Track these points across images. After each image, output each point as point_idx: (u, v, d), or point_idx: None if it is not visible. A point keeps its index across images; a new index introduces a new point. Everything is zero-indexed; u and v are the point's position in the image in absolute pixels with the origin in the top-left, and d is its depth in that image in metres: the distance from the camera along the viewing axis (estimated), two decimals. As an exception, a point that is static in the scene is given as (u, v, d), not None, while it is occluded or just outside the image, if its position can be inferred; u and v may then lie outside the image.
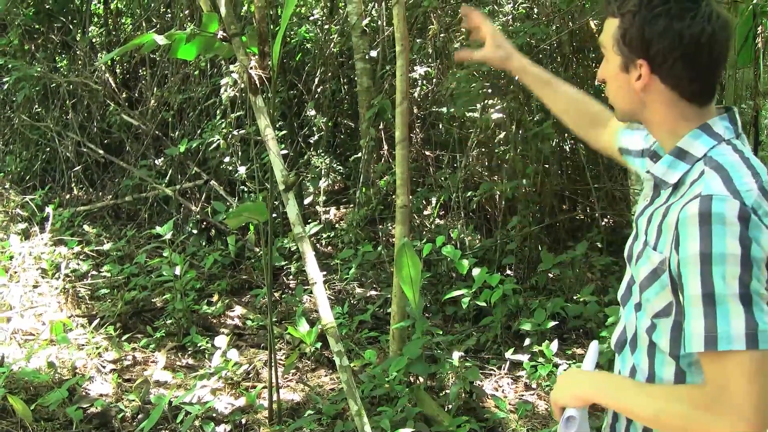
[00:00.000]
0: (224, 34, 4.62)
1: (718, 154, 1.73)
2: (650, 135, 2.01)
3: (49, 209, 8.09)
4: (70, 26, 10.34)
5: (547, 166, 7.57)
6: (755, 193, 1.64)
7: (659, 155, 1.89)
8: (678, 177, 1.76)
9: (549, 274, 6.85)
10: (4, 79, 9.78)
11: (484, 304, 6.06)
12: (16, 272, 6.82)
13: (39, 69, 9.44)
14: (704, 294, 1.59)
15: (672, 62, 1.73)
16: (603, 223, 7.55)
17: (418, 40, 8.25)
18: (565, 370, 1.92)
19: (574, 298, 6.40)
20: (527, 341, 5.82)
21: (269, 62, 4.51)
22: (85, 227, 8.36)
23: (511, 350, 5.68)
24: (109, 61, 10.19)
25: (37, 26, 10.46)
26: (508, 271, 7.18)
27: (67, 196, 9.22)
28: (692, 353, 1.67)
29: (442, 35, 8.06)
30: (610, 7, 1.82)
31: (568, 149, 8.10)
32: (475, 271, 6.20)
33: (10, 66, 9.53)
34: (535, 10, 8.19)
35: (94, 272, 7.37)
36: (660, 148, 1.91)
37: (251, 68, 4.45)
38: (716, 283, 1.57)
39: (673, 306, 1.74)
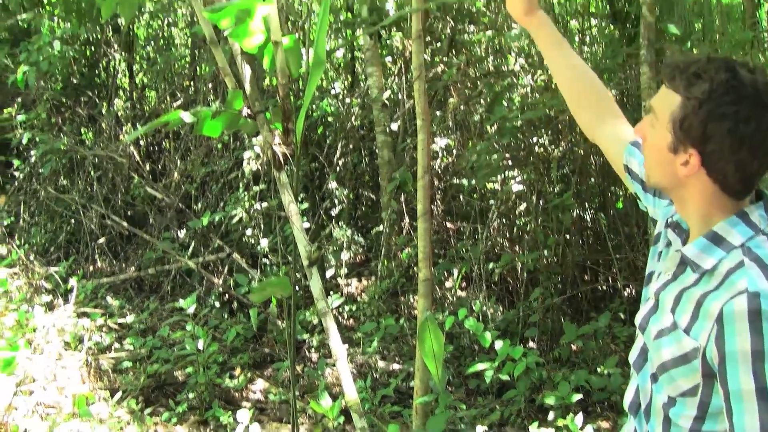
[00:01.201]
0: (249, 112, 4.70)
1: (757, 247, 1.70)
2: None
3: (73, 281, 8.14)
4: (97, 100, 10.52)
5: (568, 236, 7.58)
6: None
7: (681, 227, 1.88)
8: (713, 263, 1.73)
9: (572, 346, 6.80)
10: (31, 153, 9.92)
11: (507, 377, 6.02)
12: (39, 345, 6.84)
13: (65, 142, 9.58)
14: (758, 389, 1.58)
15: (725, 164, 1.70)
16: (625, 294, 7.51)
17: (438, 113, 8.34)
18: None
19: (598, 370, 6.34)
20: (551, 415, 5.76)
21: (293, 138, 4.58)
22: (109, 299, 8.39)
23: (536, 424, 5.61)
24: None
25: (64, 100, 10.64)
26: (531, 344, 7.13)
27: (91, 268, 9.27)
28: None
29: (462, 108, 8.14)
30: (675, 82, 1.75)
31: (589, 219, 8.11)
32: (498, 344, 6.16)
33: (37, 139, 9.68)
34: (554, 81, 8.27)
35: (116, 345, 7.37)
36: (682, 219, 1.88)
37: (275, 144, 4.51)
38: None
39: (700, 387, 1.73)
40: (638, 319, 1.96)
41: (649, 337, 1.87)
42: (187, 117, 4.68)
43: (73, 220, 9.78)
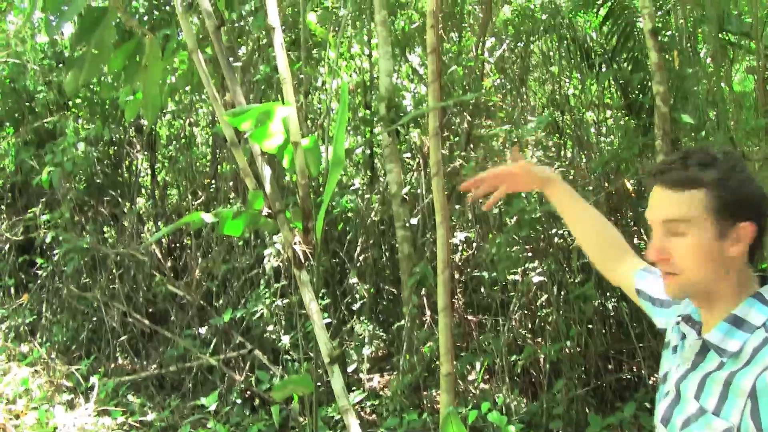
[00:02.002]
0: (269, 211, 4.76)
1: None
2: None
3: (94, 379, 8.14)
4: (119, 199, 10.67)
5: (590, 326, 7.54)
6: None
7: (694, 319, 1.94)
8: (739, 345, 1.76)
9: None
10: (54, 251, 10.04)
11: (533, 472, 5.93)
12: (60, 445, 6.82)
13: (88, 241, 9.70)
14: None
15: (764, 220, 1.82)
16: (650, 382, 7.43)
17: (457, 207, 8.40)
18: None
19: (625, 462, 6.25)
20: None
21: (313, 237, 4.63)
22: (130, 397, 8.37)
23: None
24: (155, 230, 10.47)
25: (87, 199, 10.81)
26: (556, 436, 7.04)
27: (112, 366, 9.27)
28: None
29: (480, 201, 8.20)
30: (688, 179, 1.82)
31: (611, 308, 8.07)
32: (523, 438, 6.10)
33: (60, 238, 9.81)
34: (571, 172, 8.34)
35: (137, 444, 7.35)
36: (695, 310, 1.95)
37: (295, 243, 4.56)
38: None
39: None
40: (659, 415, 1.96)
41: (675, 429, 1.87)
42: (208, 218, 4.76)
43: (94, 318, 9.83)
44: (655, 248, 1.89)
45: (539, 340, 7.88)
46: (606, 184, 7.98)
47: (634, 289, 2.32)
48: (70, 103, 11.03)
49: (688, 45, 8.57)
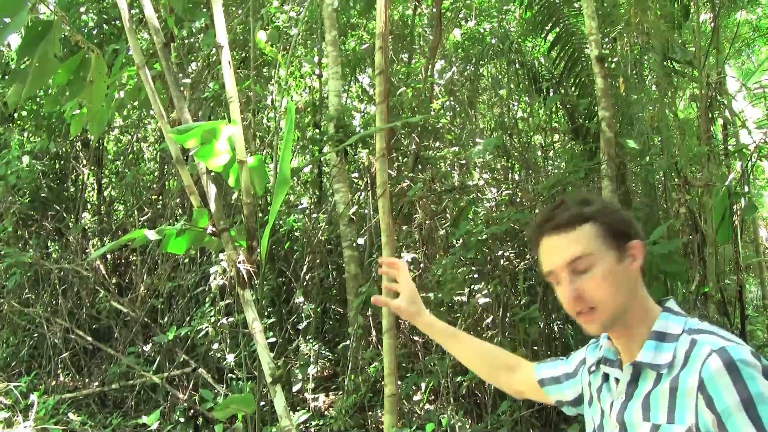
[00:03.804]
0: (213, 229, 4.74)
1: (693, 325, 1.87)
2: (569, 361, 2.28)
3: (33, 396, 8.00)
4: (64, 213, 10.53)
5: (535, 348, 7.59)
6: (743, 343, 1.77)
7: (610, 359, 2.04)
8: (671, 355, 1.83)
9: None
10: (-5, 266, 9.88)
11: (475, 494, 5.94)
12: (-4, 465, 6.69)
13: (31, 255, 9.55)
14: None
15: (642, 236, 1.95)
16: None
17: (404, 227, 8.42)
18: None
19: (568, 484, 6.29)
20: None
21: (257, 256, 4.61)
22: (70, 415, 8.23)
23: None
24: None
25: (31, 213, 10.65)
26: (500, 457, 7.07)
27: (53, 383, 9.12)
28: None
29: (427, 222, 8.23)
30: (574, 217, 1.93)
31: (556, 329, 8.14)
32: (466, 460, 6.11)
33: (2, 252, 9.64)
34: (519, 195, 8.41)
35: (77, 464, 7.23)
36: (608, 350, 2.05)
37: (239, 262, 4.54)
38: (766, 422, 1.63)
39: None
40: None
41: None
42: (152, 235, 4.72)
43: (36, 334, 9.67)
44: (568, 293, 1.94)
45: (484, 361, 7.91)
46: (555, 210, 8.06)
47: (536, 383, 2.41)
48: (16, 115, 10.87)
49: (634, 72, 8.73)
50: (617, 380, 2.00)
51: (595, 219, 1.91)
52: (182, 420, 8.05)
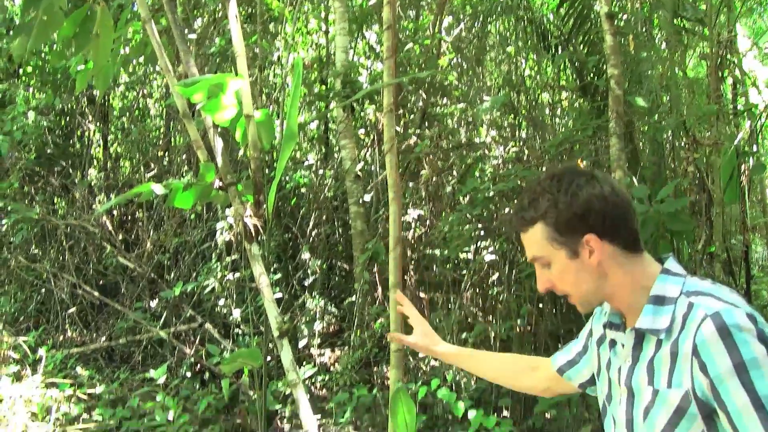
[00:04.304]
0: (221, 184, 4.73)
1: (692, 286, 1.86)
2: (578, 339, 2.30)
3: (41, 351, 8.05)
4: (70, 170, 10.52)
5: (541, 306, 7.60)
6: (744, 302, 1.77)
7: (614, 323, 2.04)
8: (669, 319, 1.83)
9: (546, 415, 6.79)
10: (3, 221, 9.87)
11: (480, 447, 5.99)
12: (5, 416, 6.73)
13: (38, 211, 9.55)
14: (753, 400, 1.64)
15: (609, 220, 1.90)
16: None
17: (411, 184, 8.40)
18: None
19: (572, 439, 6.33)
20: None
21: (264, 210, 4.60)
22: (78, 369, 8.28)
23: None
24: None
25: (37, 169, 10.64)
26: (505, 413, 7.10)
27: (61, 338, 9.17)
28: None
29: (434, 179, 8.21)
30: (525, 223, 1.98)
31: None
32: (471, 414, 6.15)
33: (9, 208, 9.64)
34: (525, 152, 8.38)
35: (85, 416, 7.26)
36: (613, 315, 2.05)
37: (247, 217, 4.54)
38: (758, 387, 1.64)
39: None
40: (621, 420, 1.99)
41: (639, 425, 1.91)
42: (159, 189, 4.71)
43: (43, 290, 9.70)
44: (540, 282, 2.03)
45: (490, 318, 7.93)
46: (560, 166, 8.02)
47: (556, 375, 2.44)
48: (21, 71, 10.83)
49: (644, 29, 8.64)
50: (623, 345, 2.01)
51: (542, 219, 1.93)
52: (189, 375, 8.10)
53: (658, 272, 1.92)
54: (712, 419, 1.75)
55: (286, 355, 4.28)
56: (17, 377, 7.81)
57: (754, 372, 1.64)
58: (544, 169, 7.85)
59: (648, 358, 1.88)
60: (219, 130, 4.89)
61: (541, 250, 1.95)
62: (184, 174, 9.61)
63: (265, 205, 4.61)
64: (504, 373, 2.62)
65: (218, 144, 4.77)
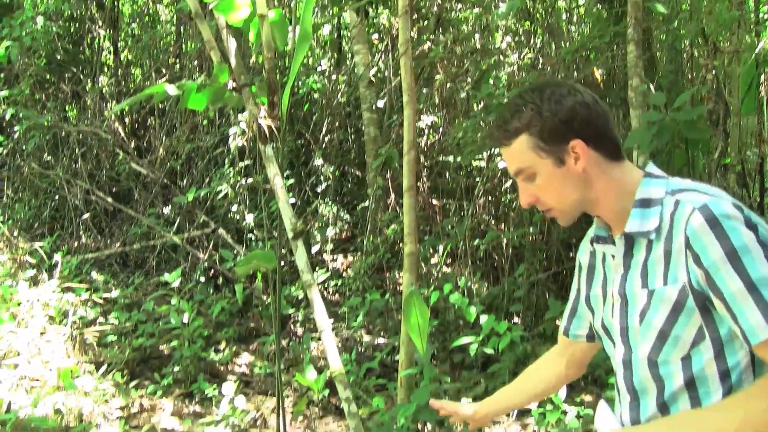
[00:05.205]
0: (234, 85, 4.69)
1: (675, 185, 1.88)
2: (573, 287, 2.26)
3: (57, 256, 8.12)
4: (81, 76, 10.45)
5: (553, 216, 7.61)
6: (727, 195, 1.80)
7: (602, 236, 2.05)
8: (657, 221, 1.85)
9: (556, 322, 6.85)
10: (15, 128, 9.85)
11: (491, 351, 6.06)
12: (23, 319, 6.83)
13: (49, 118, 9.52)
14: (746, 285, 1.67)
15: (593, 127, 1.91)
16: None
17: (424, 90, 8.34)
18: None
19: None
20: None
21: (278, 112, 4.57)
22: (93, 274, 8.36)
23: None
24: (119, 111, 10.29)
25: (48, 76, 10.56)
26: (516, 319, 7.17)
27: (76, 244, 9.23)
28: (740, 361, 1.78)
29: (448, 85, 8.14)
30: (506, 133, 1.95)
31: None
32: (483, 319, 6.21)
33: (21, 115, 9.61)
34: (540, 60, 8.28)
35: (101, 319, 7.36)
36: (600, 229, 2.05)
37: (261, 118, 4.51)
38: (751, 271, 1.67)
39: (704, 327, 1.80)
40: (616, 330, 2.00)
41: (634, 331, 1.92)
42: (172, 90, 4.67)
43: (57, 196, 9.73)
44: (524, 197, 2.01)
45: (502, 225, 7.96)
46: (575, 73, 7.94)
47: (570, 343, 2.41)
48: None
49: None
50: (613, 256, 2.01)
51: (526, 130, 1.92)
52: (203, 279, 8.17)
53: (641, 177, 1.93)
54: (708, 311, 1.78)
55: (301, 256, 4.30)
56: (34, 282, 7.89)
57: (746, 257, 1.67)
58: (559, 77, 7.77)
59: (640, 262, 1.90)
60: (231, 30, 4.84)
61: (526, 161, 1.94)
62: (195, 80, 9.54)
63: (279, 107, 4.58)
64: (549, 377, 2.53)
65: (231, 45, 4.72)
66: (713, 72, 7.59)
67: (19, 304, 7.09)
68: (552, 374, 2.50)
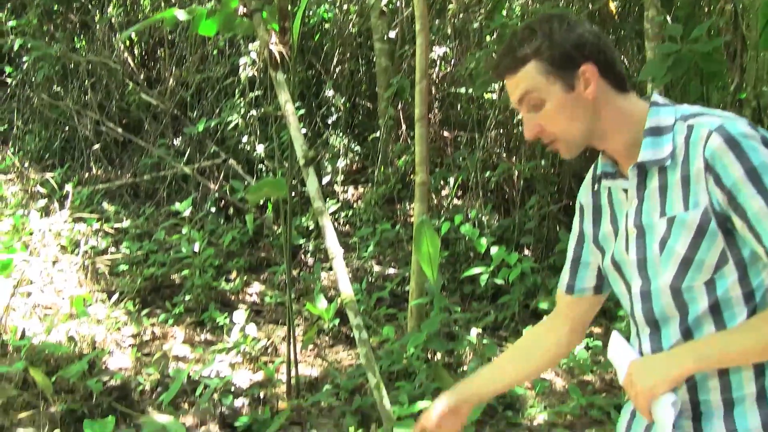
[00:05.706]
0: (245, 10, 4.63)
1: (685, 111, 1.86)
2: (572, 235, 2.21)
3: (68, 187, 8.12)
4: (89, 6, 10.35)
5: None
6: (738, 116, 1.78)
7: (610, 171, 2.00)
8: (671, 147, 1.82)
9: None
10: (23, 59, 9.79)
11: (502, 282, 6.08)
12: (36, 248, 6.86)
13: (58, 48, 9.45)
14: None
15: (603, 54, 1.88)
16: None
17: (437, 21, 8.24)
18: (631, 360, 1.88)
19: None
20: (545, 319, 5.82)
21: (290, 38, 4.52)
22: (104, 205, 8.37)
23: (529, 328, 5.68)
24: (128, 41, 10.20)
25: (55, 6, 10.46)
26: (526, 251, 7.18)
27: (86, 175, 9.22)
28: (764, 281, 1.77)
29: (461, 15, 8.05)
30: (515, 59, 1.89)
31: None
32: (493, 250, 6.21)
33: (29, 46, 9.53)
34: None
35: (113, 249, 7.39)
36: (605, 164, 2.00)
37: (272, 44, 4.46)
38: None
39: (727, 250, 1.77)
40: (633, 262, 1.95)
41: (653, 261, 1.88)
42: (182, 15, 4.63)
43: (67, 127, 9.70)
44: (529, 128, 1.95)
45: (514, 158, 7.92)
46: (590, 5, 7.83)
47: (571, 300, 2.24)
48: None
49: None
50: (625, 191, 1.96)
51: (536, 55, 1.86)
52: (213, 210, 8.18)
53: (647, 107, 1.90)
54: (730, 233, 1.75)
55: (312, 184, 4.28)
56: (45, 212, 7.91)
57: (766, 176, 1.66)
58: (574, 8, 7.67)
59: (656, 192, 1.86)
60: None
61: (533, 85, 1.88)
62: (205, 6, 9.43)
63: (290, 33, 4.53)
64: (542, 353, 2.34)
65: (242, -31, 4.65)
66: (732, 4, 7.46)
67: (31, 234, 7.12)
68: (551, 342, 2.33)
